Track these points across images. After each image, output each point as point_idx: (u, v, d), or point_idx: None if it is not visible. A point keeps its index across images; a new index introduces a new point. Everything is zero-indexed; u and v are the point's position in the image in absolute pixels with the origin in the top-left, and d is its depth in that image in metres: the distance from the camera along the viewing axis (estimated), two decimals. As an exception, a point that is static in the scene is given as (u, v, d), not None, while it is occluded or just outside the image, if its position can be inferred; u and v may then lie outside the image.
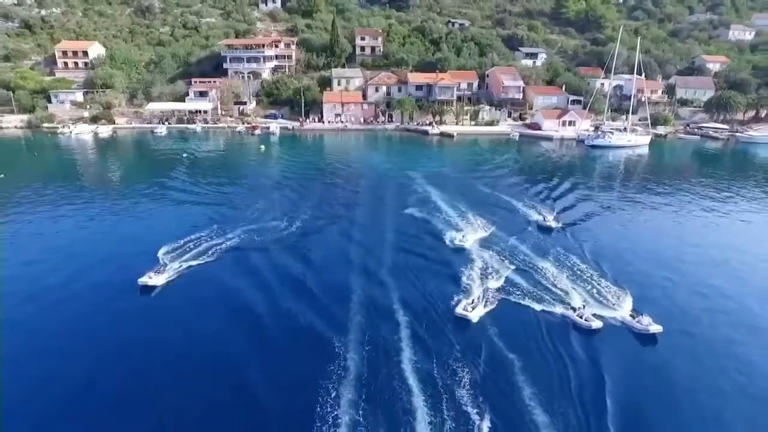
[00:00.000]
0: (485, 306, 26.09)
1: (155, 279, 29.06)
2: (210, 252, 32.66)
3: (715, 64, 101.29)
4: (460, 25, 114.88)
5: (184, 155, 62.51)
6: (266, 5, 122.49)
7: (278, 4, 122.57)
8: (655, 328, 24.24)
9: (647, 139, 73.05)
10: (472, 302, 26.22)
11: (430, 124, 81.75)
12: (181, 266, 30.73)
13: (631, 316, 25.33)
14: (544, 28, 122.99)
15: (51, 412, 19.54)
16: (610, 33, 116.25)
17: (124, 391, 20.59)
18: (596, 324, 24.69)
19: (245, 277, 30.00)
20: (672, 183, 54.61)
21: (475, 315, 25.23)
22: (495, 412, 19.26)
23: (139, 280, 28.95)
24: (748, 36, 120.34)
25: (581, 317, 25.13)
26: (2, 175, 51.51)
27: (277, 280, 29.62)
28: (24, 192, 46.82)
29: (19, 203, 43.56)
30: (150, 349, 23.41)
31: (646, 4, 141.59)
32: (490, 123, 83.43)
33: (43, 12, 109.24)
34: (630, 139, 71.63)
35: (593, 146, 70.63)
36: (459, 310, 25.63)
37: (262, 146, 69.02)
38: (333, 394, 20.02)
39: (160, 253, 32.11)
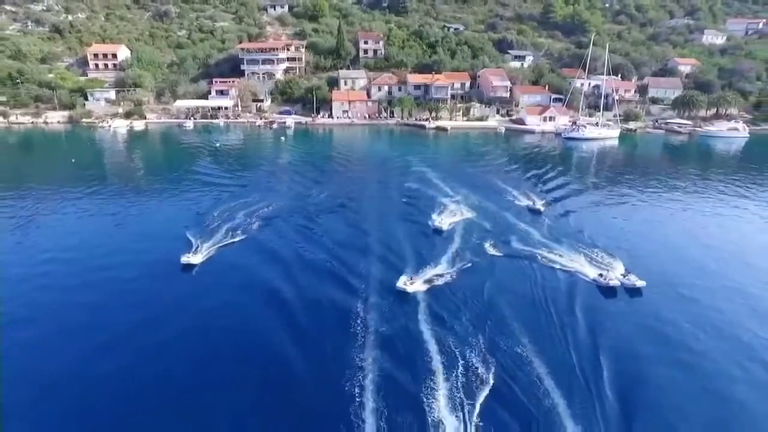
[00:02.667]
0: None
1: (194, 258, 33.41)
2: (241, 230, 38.90)
3: (686, 66, 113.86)
4: (455, 29, 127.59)
5: (217, 144, 74.59)
6: (275, 10, 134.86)
7: (286, 9, 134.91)
8: (641, 283, 31.21)
9: (617, 133, 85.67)
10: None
11: (427, 119, 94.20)
12: (214, 245, 35.72)
13: (623, 275, 32.21)
14: (532, 31, 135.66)
15: (128, 363, 23.86)
16: (594, 37, 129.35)
17: (184, 349, 25.31)
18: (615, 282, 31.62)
19: (274, 244, 36.65)
20: (638, 169, 66.38)
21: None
22: (499, 351, 24.92)
23: (181, 259, 33.28)
24: (720, 40, 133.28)
25: (603, 278, 31.78)
26: (73, 160, 63.55)
27: (303, 246, 36.71)
28: (87, 173, 58.19)
29: (85, 185, 52.60)
30: (198, 315, 27.97)
31: (630, 9, 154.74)
32: (480, 119, 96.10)
33: (70, 17, 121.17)
34: (601, 133, 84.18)
35: (569, 138, 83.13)
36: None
37: (283, 138, 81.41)
38: (359, 342, 25.37)
39: (195, 235, 37.26)
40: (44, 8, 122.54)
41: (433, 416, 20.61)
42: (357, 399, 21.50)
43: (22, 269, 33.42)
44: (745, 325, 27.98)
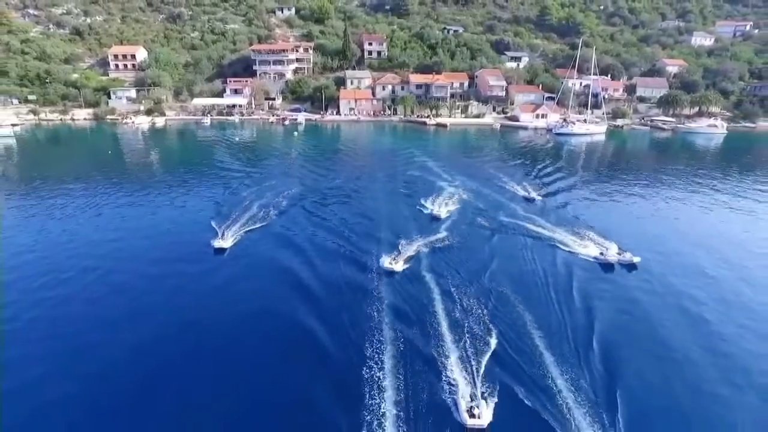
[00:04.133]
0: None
1: (224, 242, 36.66)
2: (262, 215, 43.30)
3: (673, 66, 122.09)
4: (455, 31, 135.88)
5: (237, 139, 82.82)
6: (282, 12, 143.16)
7: (293, 11, 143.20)
8: (636, 258, 35.21)
9: (603, 129, 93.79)
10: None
11: (428, 116, 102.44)
12: (241, 230, 39.52)
13: (618, 253, 36.17)
14: (529, 33, 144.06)
15: (169, 333, 26.72)
16: (588, 38, 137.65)
17: (231, 320, 28.35)
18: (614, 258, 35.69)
19: (296, 224, 41.50)
20: (623, 162, 74.27)
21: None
22: (502, 320, 28.01)
23: (213, 243, 36.62)
24: (708, 42, 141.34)
25: (603, 255, 36.02)
26: (110, 152, 71.71)
27: (321, 226, 41.51)
28: (118, 166, 65.75)
29: (119, 177, 58.72)
30: (235, 293, 31.12)
31: (623, 11, 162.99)
32: (478, 116, 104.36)
33: (89, 20, 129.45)
34: (588, 129, 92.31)
35: (559, 134, 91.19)
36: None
37: (295, 133, 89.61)
38: (375, 307, 28.85)
39: (221, 222, 40.87)
40: (64, 11, 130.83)
41: (447, 374, 23.63)
42: (376, 358, 24.46)
43: (71, 255, 36.37)
44: (724, 288, 33.06)
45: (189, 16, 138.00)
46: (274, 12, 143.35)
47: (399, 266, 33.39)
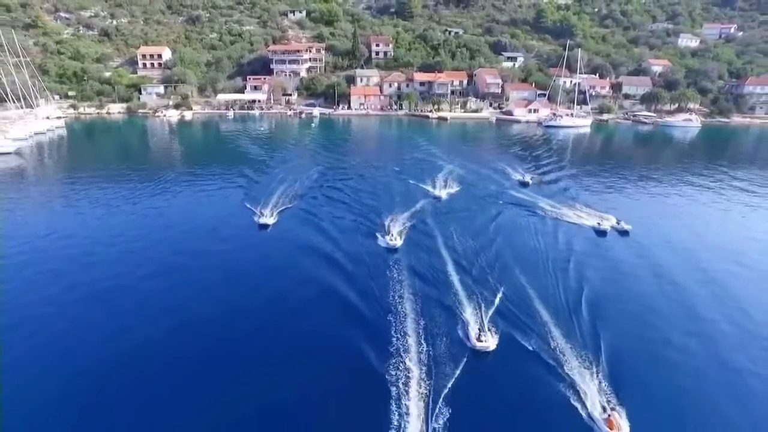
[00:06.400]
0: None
1: (266, 219, 41.84)
2: (291, 195, 49.71)
3: (658, 66, 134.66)
4: (455, 33, 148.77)
5: (262, 128, 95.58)
6: (294, 15, 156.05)
7: (304, 14, 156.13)
8: (628, 226, 41.95)
9: (588, 122, 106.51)
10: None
11: (431, 111, 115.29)
12: (281, 209, 45.29)
13: (617, 222, 43.00)
14: (525, 35, 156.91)
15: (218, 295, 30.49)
16: (581, 40, 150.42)
17: (281, 281, 32.86)
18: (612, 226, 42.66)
19: (318, 202, 48.20)
20: (605, 151, 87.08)
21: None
22: (510, 274, 33.14)
23: (259, 221, 42.01)
24: (694, 43, 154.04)
25: (600, 225, 42.45)
26: (155, 139, 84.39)
27: (341, 203, 48.41)
28: (157, 155, 78.80)
29: (163, 164, 70.05)
30: (281, 260, 36.18)
31: (616, 13, 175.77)
32: (476, 111, 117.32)
33: (115, 22, 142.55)
34: (575, 122, 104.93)
35: (548, 126, 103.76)
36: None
37: (313, 124, 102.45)
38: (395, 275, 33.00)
39: (261, 202, 46.31)
40: (92, 14, 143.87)
41: (459, 315, 28.42)
42: (398, 309, 28.92)
43: (145, 236, 40.64)
44: (699, 252, 39.88)
45: (207, 18, 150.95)
46: (286, 14, 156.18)
47: (398, 242, 37.70)
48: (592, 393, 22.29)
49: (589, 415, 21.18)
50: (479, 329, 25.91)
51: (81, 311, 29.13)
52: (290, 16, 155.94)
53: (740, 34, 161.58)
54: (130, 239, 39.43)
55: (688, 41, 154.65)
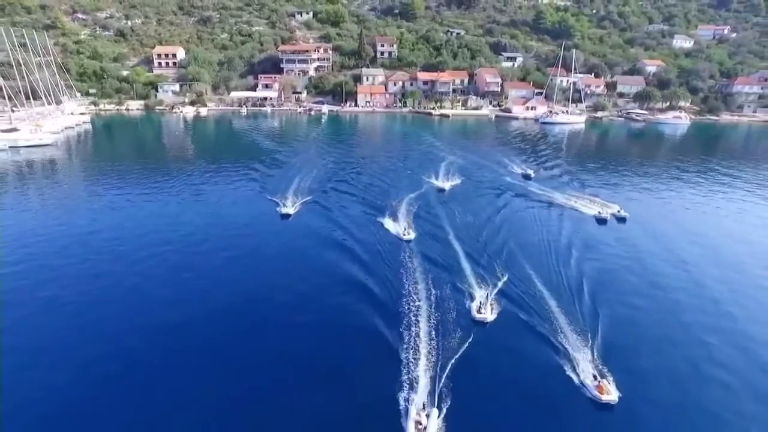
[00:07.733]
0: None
1: (288, 209, 44.18)
2: (308, 187, 52.59)
3: (652, 66, 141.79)
4: (457, 34, 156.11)
5: (275, 124, 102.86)
6: (301, 16, 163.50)
7: (311, 15, 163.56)
8: (625, 213, 45.09)
9: (582, 119, 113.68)
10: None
11: (433, 108, 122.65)
12: (300, 200, 47.77)
13: (618, 210, 45.97)
14: (524, 35, 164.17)
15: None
16: (579, 41, 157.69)
17: (304, 266, 34.74)
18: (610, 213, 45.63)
19: (332, 193, 51.01)
20: (599, 146, 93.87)
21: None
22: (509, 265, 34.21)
23: (281, 211, 44.45)
24: (688, 44, 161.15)
25: (600, 213, 45.00)
26: (177, 133, 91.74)
27: (352, 194, 51.36)
28: (180, 150, 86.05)
29: (190, 158, 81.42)
30: (303, 247, 38.15)
31: (613, 15, 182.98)
32: (476, 108, 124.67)
33: (130, 23, 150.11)
34: (569, 119, 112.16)
35: (544, 123, 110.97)
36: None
37: (322, 120, 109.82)
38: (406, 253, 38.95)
39: (276, 194, 49.21)
40: (108, 15, 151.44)
41: (464, 289, 31.17)
42: (410, 291, 30.82)
43: (181, 227, 42.05)
44: (688, 230, 44.43)
45: (217, 19, 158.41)
46: (294, 15, 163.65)
47: (411, 234, 39.41)
48: (585, 363, 24.23)
49: (582, 382, 22.97)
50: (480, 303, 28.88)
51: (114, 298, 30.52)
52: (298, 17, 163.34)
53: (733, 35, 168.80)
54: (166, 228, 41.81)
55: (682, 42, 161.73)
